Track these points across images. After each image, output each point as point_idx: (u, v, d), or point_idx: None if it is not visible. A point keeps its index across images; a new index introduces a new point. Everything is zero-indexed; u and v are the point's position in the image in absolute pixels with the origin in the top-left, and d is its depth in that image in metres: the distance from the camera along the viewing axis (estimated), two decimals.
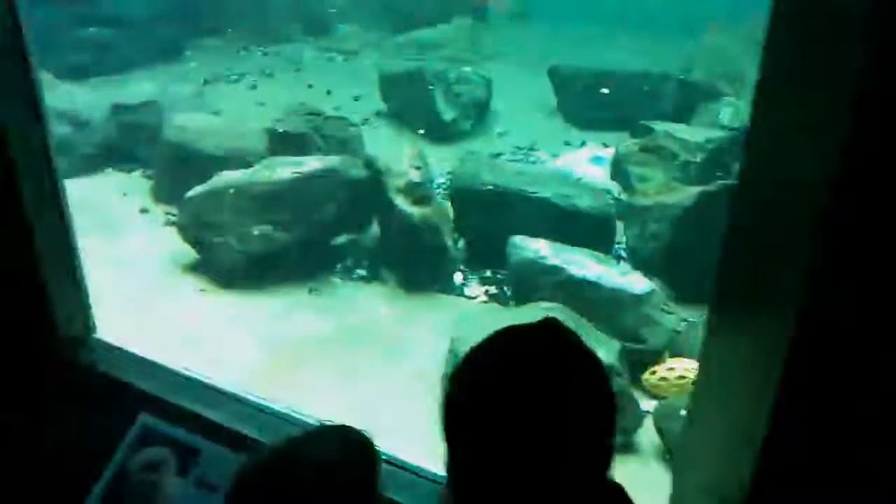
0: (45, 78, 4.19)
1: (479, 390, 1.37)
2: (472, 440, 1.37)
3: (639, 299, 4.95)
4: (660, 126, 7.18)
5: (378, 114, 8.68)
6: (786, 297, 1.64)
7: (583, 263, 5.18)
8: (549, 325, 1.42)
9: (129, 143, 7.22)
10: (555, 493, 1.33)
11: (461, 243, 6.00)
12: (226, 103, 8.44)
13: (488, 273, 5.80)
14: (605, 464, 1.41)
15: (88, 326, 3.38)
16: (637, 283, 5.06)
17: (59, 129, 6.42)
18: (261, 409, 3.06)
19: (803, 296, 1.57)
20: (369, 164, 5.95)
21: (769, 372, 1.66)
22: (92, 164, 7.03)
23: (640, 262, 5.75)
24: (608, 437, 1.40)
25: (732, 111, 7.85)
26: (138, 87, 7.98)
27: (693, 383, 4.30)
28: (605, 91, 8.53)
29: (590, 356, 1.41)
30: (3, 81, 2.81)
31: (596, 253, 5.43)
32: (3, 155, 2.89)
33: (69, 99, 7.18)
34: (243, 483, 1.66)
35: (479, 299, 5.59)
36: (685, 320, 5.08)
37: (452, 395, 1.41)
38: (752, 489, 1.75)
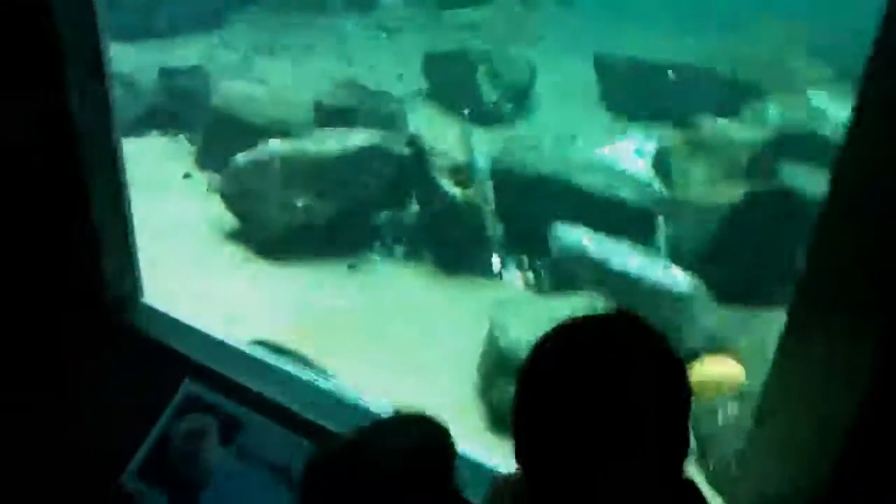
0: None
1: (563, 379, 1.35)
2: (553, 429, 1.36)
3: (679, 295, 4.90)
4: (705, 121, 7.08)
5: (420, 92, 8.62)
6: (878, 298, 1.61)
7: (624, 255, 5.13)
8: (630, 315, 1.42)
9: (174, 108, 7.24)
10: (632, 486, 1.33)
11: (500, 228, 5.97)
12: (269, 73, 8.41)
13: (527, 259, 5.77)
14: (681, 457, 1.40)
15: (137, 289, 3.40)
16: (678, 278, 5.01)
17: None
18: (304, 384, 3.07)
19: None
20: (413, 142, 5.93)
21: (855, 373, 1.64)
22: (137, 126, 7.05)
23: (680, 258, 5.68)
24: (684, 431, 1.39)
25: (780, 109, 7.73)
26: (184, 52, 7.99)
27: (734, 382, 4.28)
28: (669, 78, 8.39)
29: (671, 351, 1.40)
30: (72, 42, 2.81)
31: (638, 245, 5.38)
32: (64, 113, 2.90)
33: (115, 59, 7.17)
34: (316, 469, 1.63)
35: (517, 285, 5.57)
36: (725, 319, 5.02)
37: (532, 382, 1.40)
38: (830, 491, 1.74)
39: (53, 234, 3.13)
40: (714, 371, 4.50)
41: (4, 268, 3.05)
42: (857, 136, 1.68)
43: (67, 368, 3.14)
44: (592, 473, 1.33)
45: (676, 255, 5.78)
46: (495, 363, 4.35)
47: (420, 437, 1.67)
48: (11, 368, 3.03)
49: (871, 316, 1.66)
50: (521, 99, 8.57)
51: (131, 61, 7.42)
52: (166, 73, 7.31)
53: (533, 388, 1.40)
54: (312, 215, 5.57)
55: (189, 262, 5.35)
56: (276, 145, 5.70)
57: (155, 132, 7.22)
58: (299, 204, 5.50)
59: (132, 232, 3.34)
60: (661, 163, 6.95)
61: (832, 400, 1.82)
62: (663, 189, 6.58)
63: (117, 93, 6.92)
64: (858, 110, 1.66)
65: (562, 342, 1.41)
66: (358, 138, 5.77)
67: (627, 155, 7.28)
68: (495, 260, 5.73)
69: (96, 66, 2.93)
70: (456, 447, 1.70)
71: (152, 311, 3.33)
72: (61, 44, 2.80)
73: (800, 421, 2.00)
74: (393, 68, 8.97)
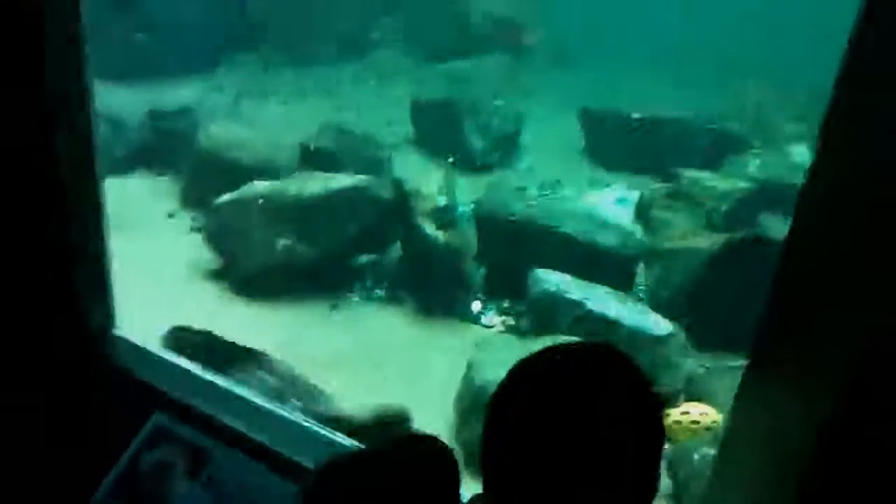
0: None
1: (536, 405, 1.33)
2: (522, 457, 1.32)
3: (658, 340, 4.92)
4: (687, 172, 7.19)
5: (408, 139, 8.73)
6: (839, 339, 1.64)
7: (603, 300, 5.17)
8: (608, 347, 1.41)
9: (162, 148, 7.31)
10: None
11: (482, 272, 6.00)
12: (258, 117, 8.52)
13: (507, 303, 5.79)
14: (651, 494, 1.38)
15: (110, 321, 3.39)
16: (657, 323, 5.04)
17: None
18: (275, 416, 3.05)
19: (859, 338, 1.57)
20: (397, 185, 5.98)
21: (812, 412, 1.66)
22: (124, 165, 7.10)
23: (660, 305, 5.71)
24: (656, 467, 1.38)
25: (759, 163, 7.87)
26: (174, 94, 8.07)
27: (710, 426, 4.28)
28: (637, 131, 8.56)
29: (648, 385, 1.38)
30: (60, 78, 2.85)
31: (617, 291, 5.42)
32: (50, 145, 2.93)
33: (106, 99, 7.26)
34: (323, 480, 1.59)
35: (496, 328, 5.58)
36: (703, 365, 5.04)
37: (505, 407, 1.38)
38: None
39: (31, 264, 3.14)
40: (690, 415, 4.50)
41: None
42: (818, 171, 1.72)
43: (40, 394, 3.13)
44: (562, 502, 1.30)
45: (656, 302, 5.81)
46: (471, 402, 4.34)
47: (424, 450, 1.64)
48: None
49: (829, 355, 1.68)
50: (507, 148, 8.69)
51: (121, 101, 7.50)
52: (155, 114, 7.39)
53: (505, 414, 1.38)
54: (293, 255, 5.59)
55: (167, 299, 5.34)
56: (259, 185, 5.75)
57: (142, 171, 7.26)
58: (280, 244, 5.53)
59: (109, 265, 3.34)
60: (643, 212, 7.03)
61: (790, 439, 1.83)
62: (644, 237, 6.64)
63: (106, 131, 7.06)
64: (821, 144, 1.70)
65: (537, 367, 1.39)
66: (341, 181, 5.82)
67: (610, 204, 7.35)
68: (475, 303, 5.75)
69: (82, 100, 2.96)
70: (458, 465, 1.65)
71: (125, 342, 3.32)
72: (48, 84, 2.83)
73: (759, 459, 2.01)
74: (381, 114, 9.10)
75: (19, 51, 2.76)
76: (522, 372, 1.39)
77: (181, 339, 4.29)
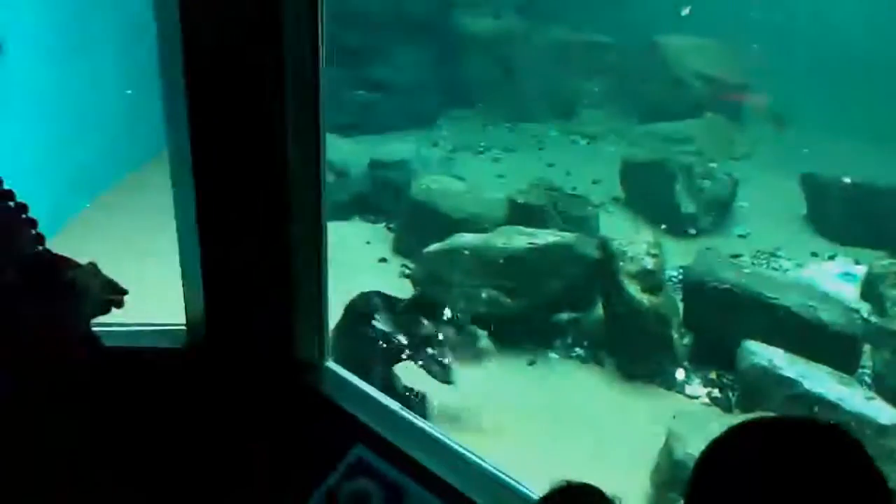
0: None
1: (747, 479, 1.23)
2: None
3: (883, 430, 4.48)
4: None
5: (615, 199, 8.64)
6: None
7: (821, 380, 4.79)
8: (836, 426, 1.28)
9: (379, 197, 7.71)
10: None
11: (687, 339, 5.76)
12: (470, 171, 8.77)
13: (713, 374, 5.51)
14: None
15: (323, 353, 3.56)
16: (883, 411, 4.59)
17: None
18: (473, 465, 3.05)
19: None
20: (603, 245, 5.91)
21: None
22: (343, 211, 7.56)
23: (888, 391, 5.21)
24: None
25: None
26: (393, 147, 8.52)
27: None
28: (865, 200, 7.95)
29: (881, 475, 1.24)
30: (298, 130, 3.07)
31: (837, 372, 5.00)
32: (284, 188, 3.15)
33: (332, 151, 7.78)
34: None
35: (700, 400, 5.32)
36: None
37: (711, 476, 1.28)
38: None
39: (262, 294, 3.37)
40: None
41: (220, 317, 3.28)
42: None
43: (249, 423, 3.32)
44: None
45: (883, 388, 5.31)
46: (670, 476, 4.15)
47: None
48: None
49: None
50: (720, 213, 8.37)
51: (345, 153, 8.01)
52: (375, 165, 7.82)
53: (713, 484, 1.28)
54: (495, 307, 5.65)
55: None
56: (466, 237, 5.89)
57: (358, 218, 7.69)
58: (483, 295, 5.61)
59: (326, 300, 3.52)
60: (871, 288, 6.49)
61: None
62: (872, 316, 6.11)
63: (330, 180, 7.54)
64: None
65: (756, 435, 1.28)
66: (547, 237, 5.84)
67: (833, 277, 6.86)
68: (679, 371, 5.52)
69: (315, 150, 3.17)
70: None
71: (335, 375, 3.47)
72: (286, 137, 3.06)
73: None
74: (590, 173, 9.07)
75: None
76: (738, 439, 1.28)
77: None
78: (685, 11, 10.22)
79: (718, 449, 1.30)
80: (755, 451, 1.25)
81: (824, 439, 1.25)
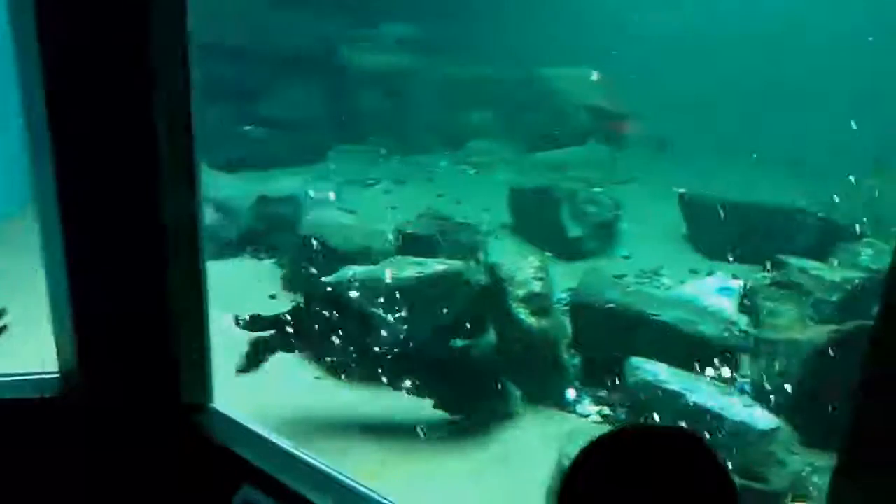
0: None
1: (604, 480, 1.30)
2: None
3: (763, 436, 4.69)
4: (794, 262, 6.96)
5: (504, 226, 8.81)
6: None
7: (704, 392, 4.98)
8: (689, 431, 1.36)
9: (267, 233, 7.61)
10: None
11: (577, 360, 5.89)
12: (360, 204, 8.77)
13: (603, 393, 5.65)
14: None
15: (209, 395, 3.48)
16: (762, 418, 4.81)
17: (205, 214, 6.82)
18: (365, 498, 3.03)
19: None
20: (492, 271, 6.00)
21: None
22: (232, 248, 7.43)
23: (765, 399, 5.47)
24: None
25: (873, 252, 7.53)
26: (282, 182, 8.45)
27: None
28: (741, 219, 8.35)
29: (728, 475, 1.33)
30: (171, 164, 3.01)
31: (719, 383, 5.22)
32: (159, 228, 3.08)
33: (219, 188, 7.66)
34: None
35: (591, 418, 5.44)
36: (810, 463, 4.75)
37: (572, 480, 1.35)
38: None
39: (133, 335, 3.28)
40: None
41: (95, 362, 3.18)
42: None
43: (134, 465, 3.21)
44: None
45: (761, 396, 5.56)
46: None
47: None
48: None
49: None
50: (604, 236, 8.64)
51: (233, 190, 7.90)
52: (262, 201, 7.73)
53: (574, 487, 1.34)
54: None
55: (262, 377, 5.45)
56: (356, 269, 5.87)
57: (248, 255, 7.57)
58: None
59: (208, 341, 3.45)
60: (749, 302, 6.81)
61: None
62: (749, 328, 6.41)
63: (216, 217, 7.40)
64: None
65: (611, 444, 1.35)
66: (437, 266, 5.88)
67: (712, 292, 7.16)
68: (571, 392, 5.63)
69: (190, 187, 3.11)
70: None
71: (221, 417, 3.39)
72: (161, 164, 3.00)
73: None
74: (479, 202, 9.23)
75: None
76: (597, 446, 1.36)
77: None
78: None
79: (578, 461, 1.35)
80: (605, 462, 1.33)
81: (671, 446, 1.32)
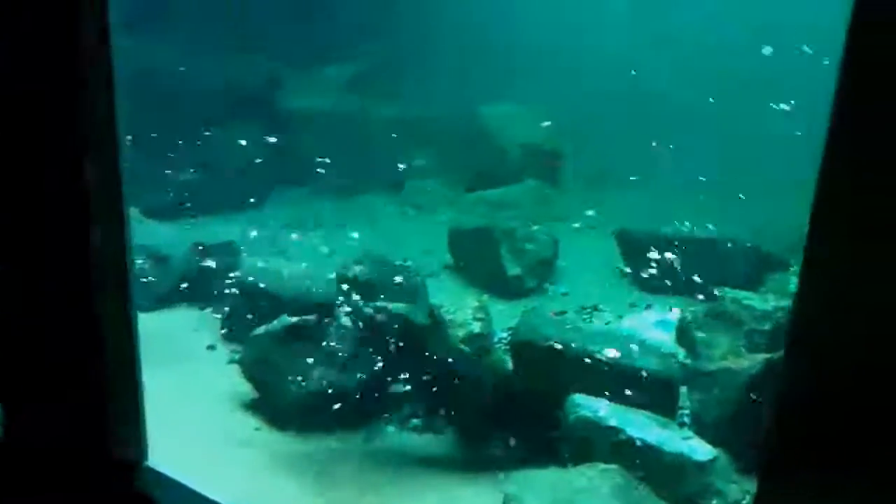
0: (133, 214, 4.44)
1: None
2: None
3: (701, 466, 4.76)
4: (727, 292, 7.13)
5: (445, 267, 8.85)
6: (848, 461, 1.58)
7: (643, 426, 5.05)
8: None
9: (204, 282, 7.50)
10: None
11: (518, 398, 5.90)
12: (299, 249, 8.74)
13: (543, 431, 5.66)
14: None
15: (142, 453, 3.41)
16: (700, 449, 4.89)
17: (138, 264, 6.72)
18: None
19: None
20: (432, 313, 6.02)
21: None
22: (168, 298, 7.30)
23: (704, 429, 5.56)
24: None
25: None
26: (219, 229, 8.36)
27: None
28: (676, 252, 8.53)
29: None
30: (96, 211, 2.98)
31: (657, 416, 5.29)
32: (86, 277, 3.03)
33: (152, 236, 7.55)
34: None
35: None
36: (748, 492, 4.83)
37: None
38: None
39: (66, 395, 3.20)
40: None
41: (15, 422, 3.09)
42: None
43: None
44: None
45: (700, 426, 5.65)
46: None
47: None
48: None
49: (844, 464, 1.63)
50: (543, 273, 8.73)
51: (167, 237, 7.78)
52: (197, 249, 7.63)
53: None
54: (328, 386, 5.60)
55: (199, 430, 5.35)
56: (295, 318, 5.83)
57: (184, 305, 7.44)
58: (315, 374, 5.56)
59: (141, 397, 3.39)
60: (684, 333, 6.94)
61: None
62: (686, 359, 6.52)
63: (149, 266, 7.27)
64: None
65: None
66: (377, 310, 5.88)
67: (650, 326, 7.29)
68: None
69: (119, 236, 3.07)
70: None
71: (155, 474, 3.32)
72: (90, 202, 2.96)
73: None
74: (420, 243, 9.26)
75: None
76: None
77: None
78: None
79: None
80: None
81: None
